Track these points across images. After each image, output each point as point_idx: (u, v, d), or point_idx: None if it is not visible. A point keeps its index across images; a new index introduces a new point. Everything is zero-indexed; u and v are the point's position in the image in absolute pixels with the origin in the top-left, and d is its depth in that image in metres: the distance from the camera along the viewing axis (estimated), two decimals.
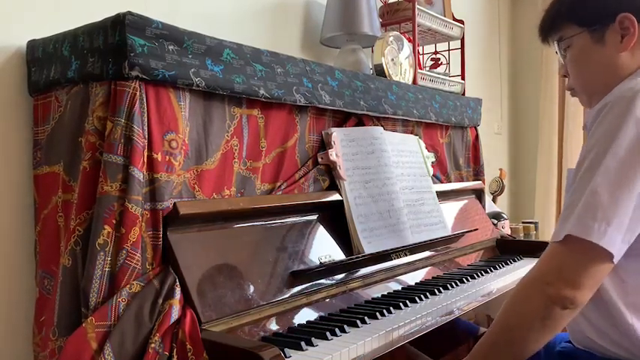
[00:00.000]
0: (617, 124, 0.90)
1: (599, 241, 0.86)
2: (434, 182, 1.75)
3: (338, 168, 1.40)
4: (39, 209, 1.14)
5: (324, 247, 1.30)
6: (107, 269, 0.94)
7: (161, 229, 1.00)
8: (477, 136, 2.14)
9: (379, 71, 1.76)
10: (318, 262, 1.24)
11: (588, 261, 0.88)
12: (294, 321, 1.11)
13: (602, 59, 1.06)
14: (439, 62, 2.41)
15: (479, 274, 1.55)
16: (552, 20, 1.13)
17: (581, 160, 0.95)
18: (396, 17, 2.08)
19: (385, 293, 1.34)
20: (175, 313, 0.93)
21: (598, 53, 1.06)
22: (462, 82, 2.28)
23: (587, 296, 0.89)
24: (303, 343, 0.96)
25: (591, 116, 0.99)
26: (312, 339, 0.98)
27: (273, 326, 1.07)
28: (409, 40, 1.97)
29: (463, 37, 2.33)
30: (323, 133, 1.43)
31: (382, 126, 1.60)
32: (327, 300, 1.22)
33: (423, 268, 1.55)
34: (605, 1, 1.05)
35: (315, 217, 1.33)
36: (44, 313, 1.06)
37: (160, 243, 1.00)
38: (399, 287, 1.40)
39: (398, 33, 1.92)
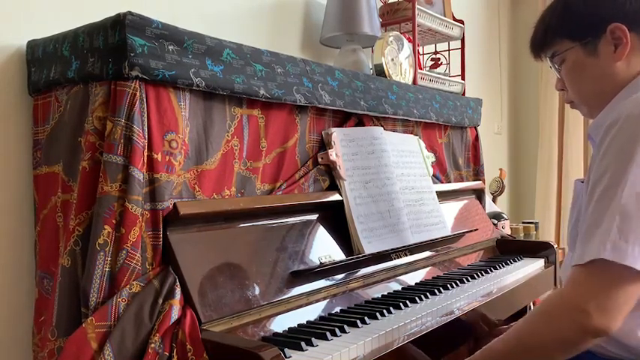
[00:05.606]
0: (633, 142, 0.88)
1: (635, 264, 0.84)
2: (434, 182, 1.75)
3: (338, 168, 1.40)
4: (38, 209, 1.14)
5: (324, 247, 1.30)
6: (107, 269, 0.94)
7: (161, 229, 1.00)
8: (477, 136, 2.14)
9: (379, 71, 1.76)
10: (318, 262, 1.24)
11: (625, 285, 0.85)
12: (294, 321, 1.10)
13: (597, 71, 1.05)
14: (439, 62, 2.40)
15: (479, 274, 1.55)
16: (543, 36, 1.12)
17: (597, 179, 0.91)
18: (396, 17, 2.08)
19: (385, 293, 1.34)
20: (175, 313, 0.93)
21: (593, 65, 1.05)
22: (462, 82, 2.28)
23: (620, 323, 0.86)
24: (303, 343, 0.96)
25: (598, 131, 0.97)
26: (312, 339, 0.98)
27: (273, 326, 1.07)
28: (409, 40, 1.97)
29: (463, 37, 2.33)
30: (323, 133, 1.43)
31: (382, 126, 1.60)
32: (327, 300, 1.22)
33: (423, 268, 1.55)
34: (594, 13, 1.03)
35: (315, 217, 1.33)
36: (43, 313, 1.06)
37: (160, 243, 1.00)
38: (399, 287, 1.40)
39: (398, 33, 1.92)
